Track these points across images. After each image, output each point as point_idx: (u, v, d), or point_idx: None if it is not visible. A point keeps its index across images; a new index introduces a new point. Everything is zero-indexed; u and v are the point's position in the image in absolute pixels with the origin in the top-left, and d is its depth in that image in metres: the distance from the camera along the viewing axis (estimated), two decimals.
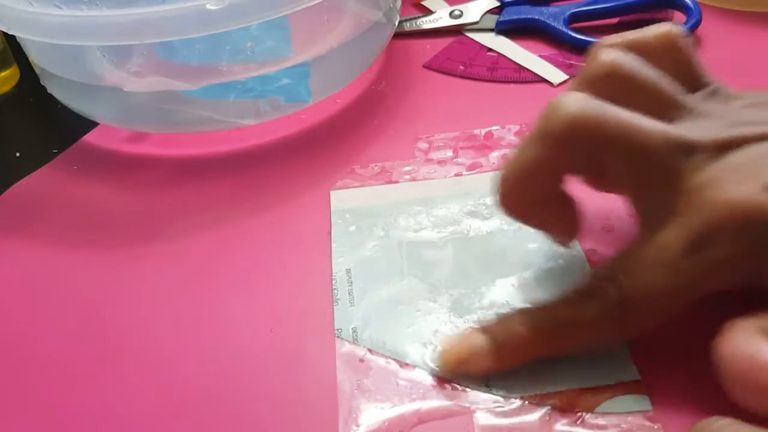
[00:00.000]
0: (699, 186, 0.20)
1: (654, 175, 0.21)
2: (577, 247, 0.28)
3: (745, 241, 0.20)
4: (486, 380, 0.23)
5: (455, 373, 0.23)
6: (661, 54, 0.23)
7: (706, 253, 0.20)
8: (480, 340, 0.23)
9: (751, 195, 0.19)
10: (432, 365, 0.24)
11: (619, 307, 0.21)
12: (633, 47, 0.23)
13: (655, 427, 0.21)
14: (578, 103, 0.21)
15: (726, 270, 0.21)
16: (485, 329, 0.23)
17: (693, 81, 0.23)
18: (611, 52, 0.22)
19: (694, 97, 0.23)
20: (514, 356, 0.23)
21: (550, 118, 0.21)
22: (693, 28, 0.39)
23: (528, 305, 0.24)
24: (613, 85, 0.22)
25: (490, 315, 0.26)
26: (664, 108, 0.22)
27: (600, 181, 0.24)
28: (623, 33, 0.24)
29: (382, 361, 0.25)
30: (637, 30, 0.24)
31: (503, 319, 0.24)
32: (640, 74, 0.22)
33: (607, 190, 0.25)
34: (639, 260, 0.21)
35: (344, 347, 0.25)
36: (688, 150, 0.21)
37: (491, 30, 0.42)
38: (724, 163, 0.21)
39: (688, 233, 0.20)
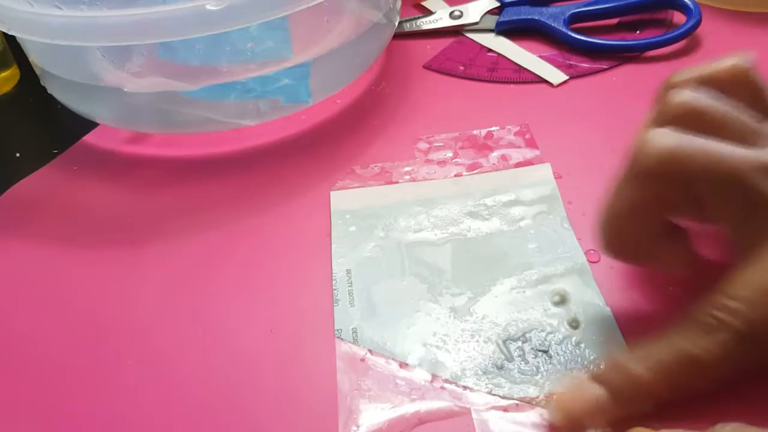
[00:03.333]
0: None
1: (748, 200, 0.21)
2: (577, 247, 0.28)
3: None
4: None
5: (572, 426, 0.22)
6: (730, 86, 0.23)
7: None
8: (597, 392, 0.22)
9: None
10: (433, 367, 0.24)
11: (747, 338, 0.21)
12: (704, 82, 0.23)
13: (655, 426, 0.21)
14: (668, 138, 0.21)
15: None
16: (600, 378, 0.22)
17: (764, 110, 0.23)
18: (685, 90, 0.22)
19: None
20: (636, 403, 0.22)
21: (642, 157, 0.22)
22: (693, 28, 0.39)
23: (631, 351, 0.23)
24: (691, 123, 0.22)
25: (487, 323, 0.26)
26: (744, 138, 0.22)
27: (699, 215, 0.24)
28: (691, 68, 0.24)
29: (382, 361, 0.25)
30: (706, 64, 0.24)
31: (617, 365, 0.22)
32: (716, 109, 0.22)
33: (709, 223, 0.24)
34: (755, 286, 0.21)
35: (344, 348, 0.25)
36: None
37: (491, 30, 0.43)
38: None
39: None
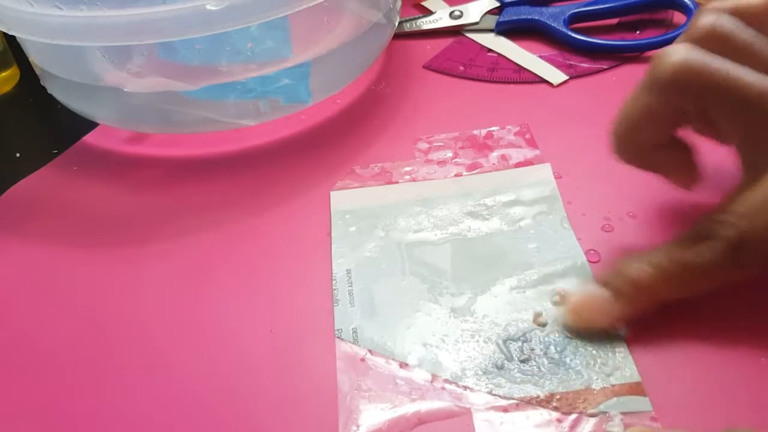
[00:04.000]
0: None
1: (757, 124, 0.22)
2: (577, 247, 0.28)
3: None
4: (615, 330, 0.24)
5: (584, 327, 0.24)
6: (764, 19, 0.24)
7: None
8: (602, 292, 0.24)
9: None
10: (433, 367, 0.24)
11: (735, 246, 0.22)
12: (737, 12, 0.24)
13: (655, 426, 0.21)
14: (684, 52, 0.22)
15: None
16: (604, 282, 0.24)
17: None
18: (713, 14, 0.23)
19: None
20: (637, 303, 0.24)
21: (658, 66, 0.23)
22: None
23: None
24: (715, 45, 0.23)
25: (487, 323, 0.26)
26: (765, 67, 0.22)
27: (708, 130, 0.25)
28: None
29: (382, 361, 0.25)
30: None
31: (618, 270, 0.24)
32: (741, 35, 0.23)
33: (717, 140, 0.26)
34: (753, 201, 0.22)
35: (344, 348, 0.25)
36: None
37: (491, 30, 0.43)
38: None
39: None
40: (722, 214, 0.22)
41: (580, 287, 0.25)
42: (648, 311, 0.24)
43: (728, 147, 0.25)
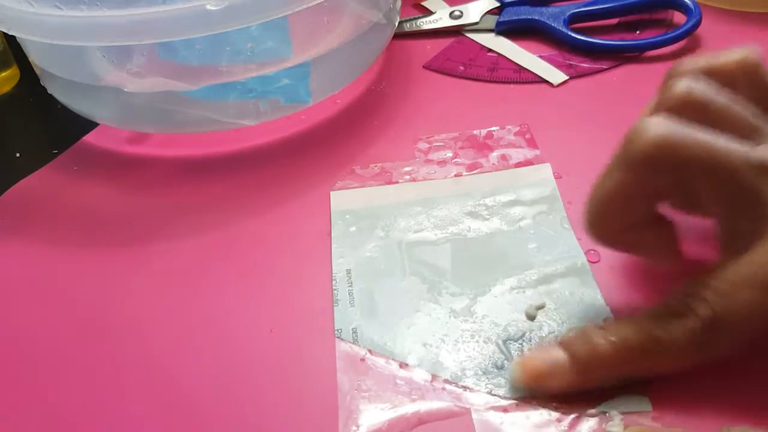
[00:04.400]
0: None
1: (739, 196, 0.21)
2: (577, 247, 0.28)
3: None
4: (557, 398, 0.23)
5: (530, 387, 0.23)
6: (738, 78, 0.23)
7: None
8: (560, 356, 0.22)
9: None
10: (433, 367, 0.24)
11: (710, 327, 0.21)
12: (710, 73, 0.23)
13: (655, 426, 0.21)
14: (661, 126, 0.21)
15: None
16: (565, 344, 0.23)
17: None
18: (687, 80, 0.22)
19: None
20: (595, 374, 0.22)
21: (634, 142, 0.21)
22: (693, 28, 0.39)
23: (605, 321, 0.24)
24: (691, 113, 0.22)
25: (487, 323, 0.26)
26: (743, 133, 0.22)
27: (687, 205, 0.24)
28: (698, 57, 0.23)
29: (382, 361, 0.25)
30: (714, 54, 0.23)
31: (584, 335, 0.23)
32: (717, 101, 0.22)
33: (697, 214, 0.24)
34: (731, 280, 0.21)
35: (344, 347, 0.25)
36: None
37: (491, 30, 0.43)
38: None
39: None
40: (699, 290, 0.21)
41: (540, 345, 0.24)
42: (602, 384, 0.22)
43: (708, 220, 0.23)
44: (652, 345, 0.22)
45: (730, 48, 0.23)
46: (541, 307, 0.26)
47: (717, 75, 0.23)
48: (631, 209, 0.23)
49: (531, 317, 0.25)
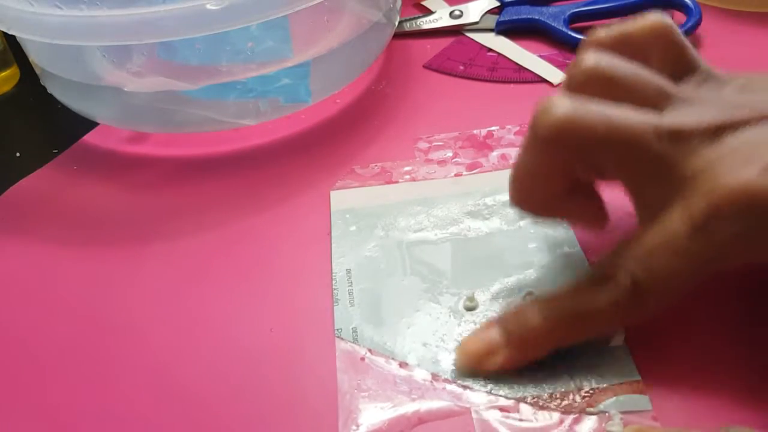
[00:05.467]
0: (697, 171, 0.21)
1: (647, 166, 0.21)
2: (576, 246, 0.28)
3: (747, 223, 0.20)
4: (497, 378, 0.23)
5: (472, 369, 0.24)
6: (651, 45, 0.23)
7: (711, 236, 0.20)
8: (495, 334, 0.23)
9: (750, 178, 0.20)
10: (433, 366, 0.24)
11: (631, 292, 0.22)
12: (621, 41, 0.23)
13: (655, 425, 0.21)
14: (562, 107, 0.21)
15: (731, 250, 0.21)
16: (499, 322, 0.24)
17: (686, 69, 0.24)
18: (591, 54, 0.22)
19: (686, 85, 0.23)
20: (530, 348, 0.23)
21: (537, 124, 0.22)
22: (693, 28, 0.39)
23: (536, 295, 0.24)
24: (597, 87, 0.22)
25: (492, 313, 0.26)
26: (652, 100, 0.22)
27: (600, 176, 0.25)
28: (612, 26, 0.24)
29: (382, 361, 0.25)
30: (626, 22, 0.24)
31: (516, 312, 0.24)
32: (622, 71, 0.22)
33: (610, 183, 0.25)
34: (646, 246, 0.22)
35: (344, 347, 0.25)
36: (679, 137, 0.21)
37: (491, 30, 0.43)
38: (721, 147, 0.21)
39: (691, 218, 0.20)
40: (619, 258, 0.22)
41: (475, 330, 0.25)
42: (538, 358, 0.23)
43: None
44: (580, 315, 0.23)
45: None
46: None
47: (630, 43, 0.23)
48: (546, 185, 0.23)
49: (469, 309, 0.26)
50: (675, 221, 0.21)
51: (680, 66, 0.24)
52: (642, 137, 0.21)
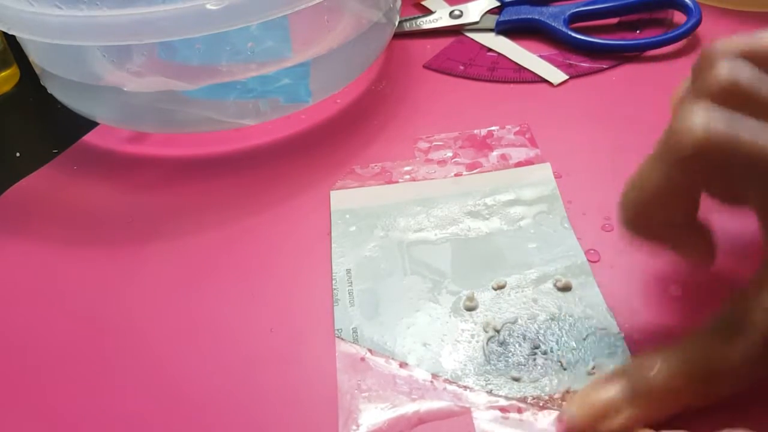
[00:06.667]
0: None
1: None
2: (577, 247, 0.28)
3: None
4: None
5: (587, 427, 0.21)
6: None
7: None
8: (617, 392, 0.21)
9: None
10: (433, 366, 0.24)
11: (766, 347, 0.20)
12: (749, 55, 0.21)
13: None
14: (706, 119, 0.19)
15: None
16: (621, 377, 0.21)
17: None
18: (728, 63, 0.20)
19: None
20: (656, 409, 0.21)
21: (677, 138, 0.20)
22: (693, 28, 0.39)
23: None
24: (733, 101, 0.20)
25: (491, 313, 0.26)
26: None
27: (732, 200, 0.22)
28: (734, 38, 0.21)
29: (382, 361, 0.25)
30: (751, 35, 0.21)
31: (639, 367, 0.21)
32: (760, 89, 0.20)
33: (738, 209, 0.22)
34: None
35: (344, 347, 0.25)
36: None
37: (491, 30, 0.43)
38: None
39: None
40: (753, 299, 0.20)
41: (592, 381, 0.22)
42: (667, 418, 0.21)
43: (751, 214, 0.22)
44: (712, 373, 0.20)
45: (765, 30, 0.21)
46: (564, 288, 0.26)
47: (757, 58, 0.20)
48: (674, 205, 0.21)
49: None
50: None
51: None
52: None
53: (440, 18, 0.44)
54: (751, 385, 0.21)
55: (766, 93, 0.20)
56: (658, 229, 0.22)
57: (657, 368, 0.21)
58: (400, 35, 0.43)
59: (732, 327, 0.20)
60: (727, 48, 0.21)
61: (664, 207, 0.21)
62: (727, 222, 0.23)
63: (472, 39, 0.42)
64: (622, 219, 0.22)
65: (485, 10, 0.43)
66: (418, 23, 0.44)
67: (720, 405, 0.21)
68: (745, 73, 0.20)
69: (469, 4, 0.44)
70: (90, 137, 0.38)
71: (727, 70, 0.20)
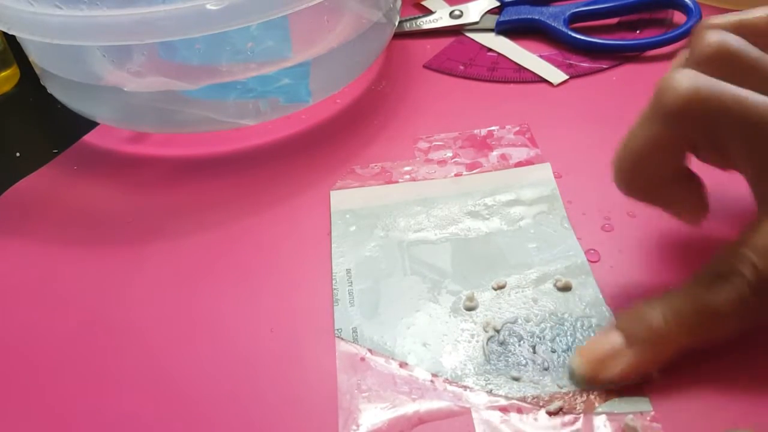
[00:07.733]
0: None
1: None
2: (577, 247, 0.28)
3: None
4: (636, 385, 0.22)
5: (595, 380, 0.22)
6: (766, 35, 0.22)
7: None
8: (616, 338, 0.22)
9: None
10: (433, 366, 0.24)
11: (757, 288, 0.21)
12: (739, 28, 0.22)
13: (655, 426, 0.21)
14: (692, 79, 0.21)
15: None
16: (619, 327, 0.23)
17: None
18: (717, 32, 0.22)
19: None
20: (654, 352, 0.22)
21: (665, 96, 0.21)
22: (693, 28, 0.39)
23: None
24: (721, 66, 0.21)
25: (491, 313, 0.26)
26: None
27: (717, 159, 0.23)
28: (727, 14, 0.23)
29: (382, 361, 0.25)
30: (742, 11, 0.23)
31: (637, 313, 0.23)
32: (748, 54, 0.22)
33: (725, 168, 0.24)
34: None
35: (344, 347, 0.25)
36: None
37: (491, 30, 0.43)
38: None
39: None
40: (742, 250, 0.21)
41: (596, 333, 0.24)
42: (668, 362, 0.22)
43: (738, 174, 0.23)
44: (704, 315, 0.21)
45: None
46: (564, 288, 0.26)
47: (747, 30, 0.22)
48: (663, 162, 0.23)
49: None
50: None
51: None
52: None
53: (440, 18, 0.44)
54: (755, 330, 0.21)
55: (752, 58, 0.21)
56: (648, 186, 0.23)
57: (649, 314, 0.22)
58: (400, 35, 0.43)
59: (718, 276, 0.22)
60: (718, 22, 0.23)
61: (653, 163, 0.23)
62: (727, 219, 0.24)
63: (472, 39, 0.42)
64: (614, 177, 0.24)
65: (485, 10, 0.43)
66: (418, 23, 0.44)
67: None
68: (733, 39, 0.22)
69: (469, 4, 0.44)
70: (90, 137, 0.38)
71: (716, 37, 0.22)
